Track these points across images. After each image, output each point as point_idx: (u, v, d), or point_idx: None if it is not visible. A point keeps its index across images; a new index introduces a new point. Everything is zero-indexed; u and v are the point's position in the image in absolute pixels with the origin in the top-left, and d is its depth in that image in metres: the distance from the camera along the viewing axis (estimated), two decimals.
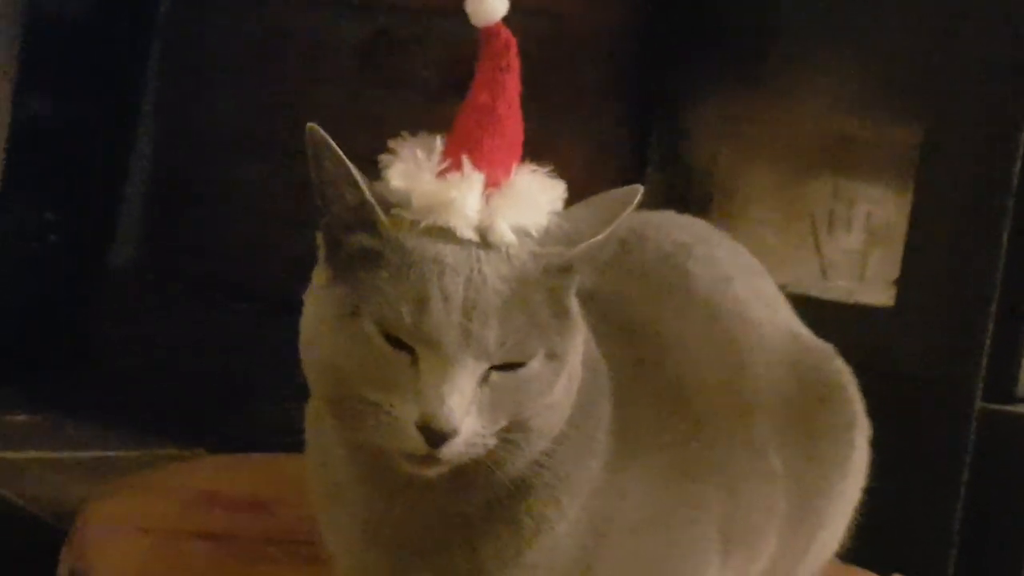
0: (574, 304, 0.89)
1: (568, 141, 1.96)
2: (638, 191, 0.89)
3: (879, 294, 1.91)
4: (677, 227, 1.12)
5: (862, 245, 2.12)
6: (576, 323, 0.88)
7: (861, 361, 1.72)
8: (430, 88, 2.05)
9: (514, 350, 0.83)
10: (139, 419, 1.95)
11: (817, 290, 2.05)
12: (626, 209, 0.88)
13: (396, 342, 0.82)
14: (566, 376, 0.87)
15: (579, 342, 0.89)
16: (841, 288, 2.09)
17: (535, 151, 2.02)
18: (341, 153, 0.85)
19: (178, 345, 2.16)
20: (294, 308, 0.92)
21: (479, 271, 0.83)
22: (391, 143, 0.90)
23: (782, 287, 2.09)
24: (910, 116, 1.82)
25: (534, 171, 0.90)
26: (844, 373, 1.12)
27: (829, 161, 2.08)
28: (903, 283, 1.77)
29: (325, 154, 0.85)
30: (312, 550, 1.01)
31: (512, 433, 0.85)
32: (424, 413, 0.81)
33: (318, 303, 0.87)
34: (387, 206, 0.85)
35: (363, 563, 0.94)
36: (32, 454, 1.78)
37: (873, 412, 1.64)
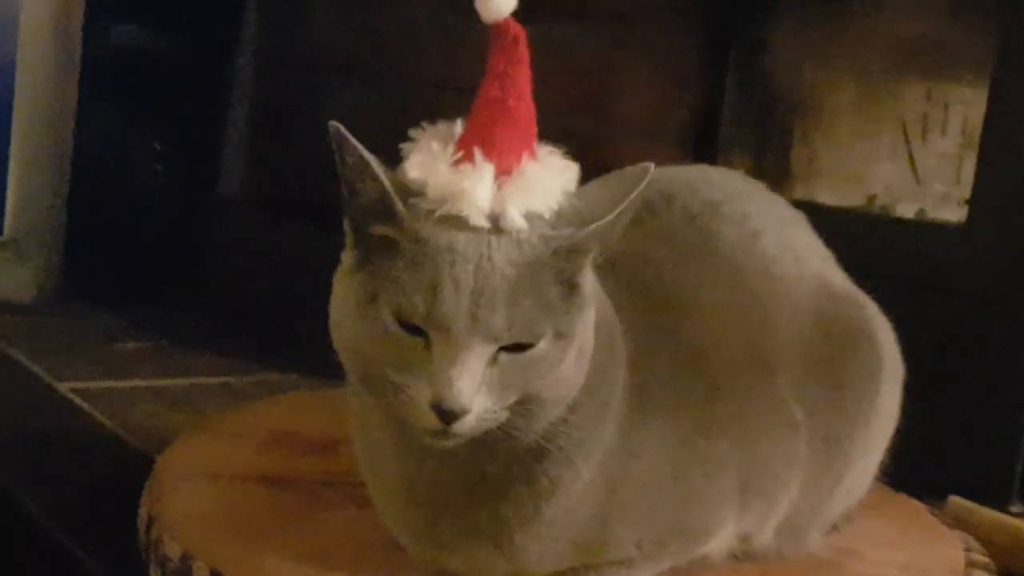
0: (587, 280, 0.94)
1: (644, 59, 1.99)
2: (650, 168, 0.93)
3: None
4: (707, 184, 1.15)
5: (958, 149, 2.11)
6: (587, 300, 0.93)
7: (931, 281, 1.74)
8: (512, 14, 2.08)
9: (522, 332, 0.88)
10: (246, 345, 2.03)
11: (904, 205, 2.05)
12: (636, 188, 0.92)
13: (411, 327, 0.89)
14: (575, 351, 0.92)
15: (590, 317, 0.94)
16: (935, 193, 2.10)
17: (612, 72, 2.04)
18: (361, 148, 0.91)
19: (285, 271, 2.23)
20: None
21: (489, 257, 0.88)
22: (412, 132, 0.95)
23: (870, 199, 2.10)
24: (987, 13, 1.81)
25: (551, 152, 0.95)
26: (872, 321, 1.15)
27: (919, 65, 2.07)
28: (975, 198, 1.77)
29: (347, 149, 0.91)
30: (366, 492, 1.08)
31: (525, 406, 0.91)
32: (436, 394, 0.87)
33: (343, 287, 0.93)
34: (407, 196, 0.91)
35: (402, 515, 1.02)
36: (138, 382, 1.87)
37: (940, 332, 1.66)
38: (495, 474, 0.97)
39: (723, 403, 1.04)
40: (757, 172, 2.14)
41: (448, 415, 0.87)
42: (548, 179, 0.92)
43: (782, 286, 1.11)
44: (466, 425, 0.88)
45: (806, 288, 1.12)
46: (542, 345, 0.89)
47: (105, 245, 2.34)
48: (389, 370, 0.90)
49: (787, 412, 1.08)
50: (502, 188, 0.90)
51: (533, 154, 0.93)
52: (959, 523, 1.49)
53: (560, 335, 0.90)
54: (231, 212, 2.51)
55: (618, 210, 0.91)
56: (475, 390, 0.87)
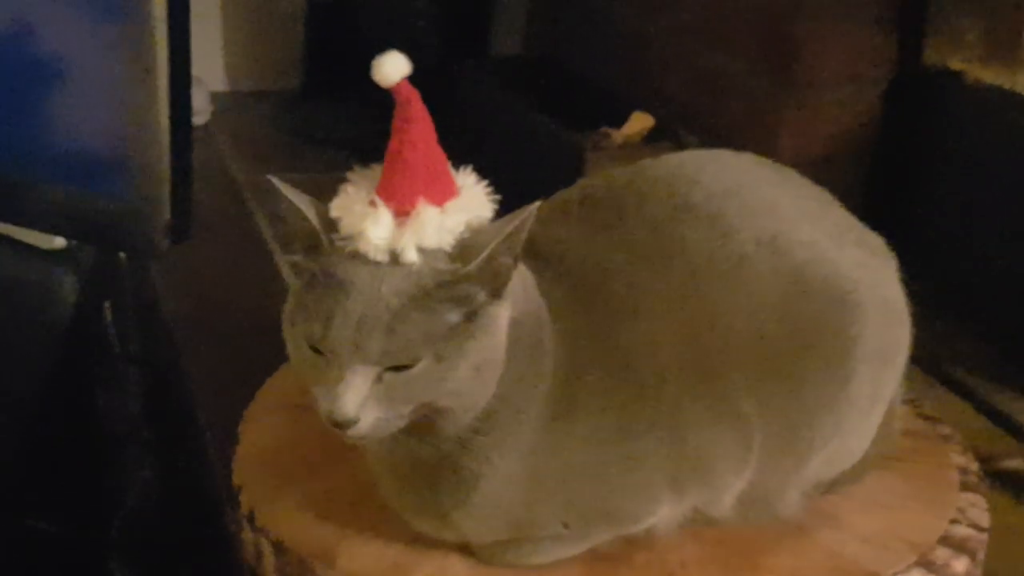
0: (490, 309, 1.05)
1: None
2: (534, 208, 1.03)
3: None
4: (693, 182, 1.20)
5: None
6: (488, 326, 1.05)
7: None
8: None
9: (398, 356, 1.02)
10: None
11: None
12: (511, 226, 1.02)
13: (317, 350, 1.04)
14: (470, 370, 1.04)
15: (492, 340, 1.05)
16: None
17: None
18: (293, 192, 1.05)
19: None
20: None
21: (379, 289, 1.02)
22: (349, 175, 1.08)
23: None
24: None
25: (472, 190, 1.06)
26: (848, 313, 1.18)
27: None
28: None
29: (281, 196, 1.05)
30: None
31: (427, 413, 1.06)
32: (327, 407, 1.04)
33: (285, 312, 1.09)
34: (330, 233, 1.05)
35: (379, 480, 1.20)
36: None
37: None
38: (432, 461, 1.12)
39: (650, 403, 1.13)
40: (987, 38, 2.05)
41: (337, 425, 1.03)
42: (443, 219, 1.03)
43: (745, 286, 1.16)
44: (360, 432, 1.04)
45: (778, 285, 1.16)
46: (420, 367, 1.02)
47: None
48: (307, 382, 1.07)
49: (730, 407, 1.15)
50: (401, 227, 1.03)
51: (434, 197, 1.04)
52: None
53: (441, 358, 1.02)
54: (501, 71, 2.53)
55: (487, 251, 1.02)
56: (359, 404, 1.02)
